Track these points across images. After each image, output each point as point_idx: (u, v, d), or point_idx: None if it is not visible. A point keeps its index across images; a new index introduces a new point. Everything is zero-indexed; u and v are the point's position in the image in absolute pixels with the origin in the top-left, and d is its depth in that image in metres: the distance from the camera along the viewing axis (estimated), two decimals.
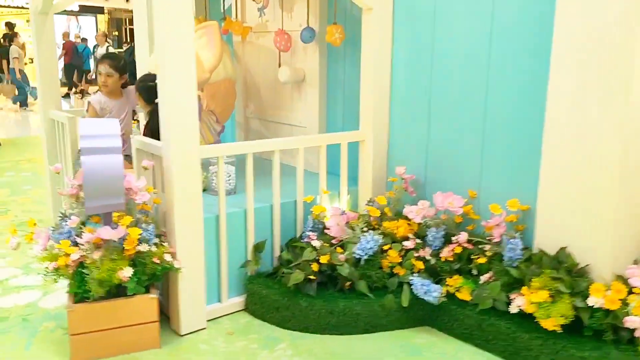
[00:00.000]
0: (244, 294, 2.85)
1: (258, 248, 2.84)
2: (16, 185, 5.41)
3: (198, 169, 2.50)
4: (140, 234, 2.33)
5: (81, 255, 2.28)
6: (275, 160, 2.82)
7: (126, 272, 2.28)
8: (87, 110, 3.53)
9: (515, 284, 2.39)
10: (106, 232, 2.27)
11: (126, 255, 2.33)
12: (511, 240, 2.43)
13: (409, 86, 3.06)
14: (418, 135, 3.05)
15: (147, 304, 2.41)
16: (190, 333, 2.59)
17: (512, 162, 2.66)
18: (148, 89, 3.07)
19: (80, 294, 2.33)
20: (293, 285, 2.59)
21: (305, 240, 2.86)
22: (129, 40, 24.56)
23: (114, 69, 3.43)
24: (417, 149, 3.07)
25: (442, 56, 2.88)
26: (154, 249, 2.39)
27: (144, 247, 2.35)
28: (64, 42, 14.76)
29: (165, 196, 2.52)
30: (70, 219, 2.53)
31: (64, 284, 3.07)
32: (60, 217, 2.57)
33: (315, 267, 2.62)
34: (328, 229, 2.74)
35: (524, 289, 2.30)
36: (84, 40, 16.43)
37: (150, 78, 3.11)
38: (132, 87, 3.59)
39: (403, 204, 3.03)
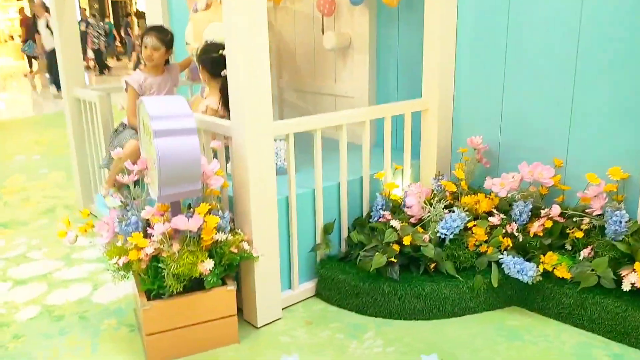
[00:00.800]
0: (313, 279, 2.67)
1: (327, 230, 2.64)
2: (31, 170, 5.13)
3: (272, 148, 2.27)
4: (217, 223, 2.11)
5: (155, 249, 2.06)
6: (342, 134, 2.59)
7: (207, 265, 2.07)
8: (125, 90, 3.26)
9: (622, 259, 2.22)
10: (183, 222, 2.05)
11: (203, 246, 2.12)
12: (616, 212, 2.25)
13: (478, 49, 2.83)
14: (489, 102, 2.84)
15: (225, 297, 2.21)
16: (267, 324, 2.41)
17: (606, 129, 2.46)
18: (213, 61, 2.82)
19: (155, 291, 2.12)
20: (374, 269, 2.40)
21: (376, 219, 2.66)
22: (110, 14, 23.80)
23: (161, 41, 3.13)
24: (488, 118, 2.86)
25: (521, 16, 2.64)
26: (230, 237, 2.18)
27: (220, 236, 2.14)
28: (21, 18, 14.21)
29: (234, 179, 2.30)
30: (132, 207, 2.31)
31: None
32: (121, 205, 2.34)
33: (396, 248, 2.43)
34: (407, 207, 2.54)
35: (638, 265, 2.13)
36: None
37: (214, 48, 2.85)
38: (175, 63, 3.32)
39: (474, 176, 2.84)
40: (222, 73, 2.70)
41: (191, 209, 2.20)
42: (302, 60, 3.83)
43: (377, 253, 2.44)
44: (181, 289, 2.08)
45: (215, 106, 2.86)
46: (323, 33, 3.48)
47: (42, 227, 3.63)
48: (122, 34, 21.27)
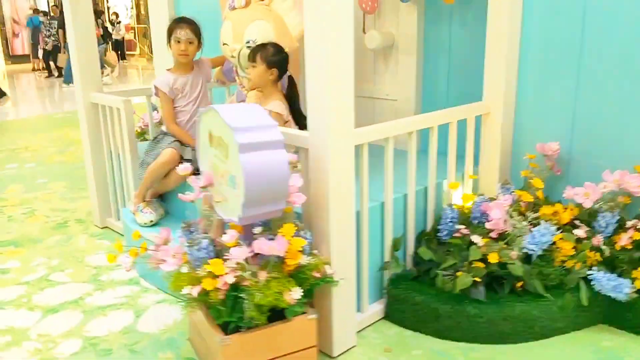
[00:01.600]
0: (380, 300, 2.46)
1: (395, 246, 2.44)
2: (28, 180, 4.77)
3: (352, 158, 2.05)
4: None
5: (236, 277, 1.82)
6: (412, 141, 2.39)
7: (295, 294, 1.84)
8: (155, 95, 2.98)
9: None
10: (266, 246, 1.81)
11: (285, 272, 1.89)
12: None
13: (546, 46, 2.64)
14: (559, 104, 2.66)
15: (306, 326, 1.98)
16: (343, 353, 2.19)
17: None
18: (284, 61, 2.63)
19: (234, 323, 1.87)
20: (459, 290, 2.21)
21: (447, 234, 2.46)
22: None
23: (195, 34, 2.86)
24: (557, 121, 2.69)
25: (600, 8, 2.46)
26: (312, 260, 1.95)
27: (304, 260, 1.91)
28: None
29: (309, 194, 2.07)
30: (195, 229, 2.06)
31: (152, 299, 2.63)
32: (183, 226, 2.08)
33: (480, 267, 2.24)
34: (490, 220, 2.34)
35: None
36: (37, 11, 15.21)
37: (277, 48, 2.66)
38: (203, 57, 3.05)
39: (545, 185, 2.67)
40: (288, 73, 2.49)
41: (266, 231, 1.96)
42: None
43: (460, 272, 2.24)
44: (265, 321, 1.85)
45: (283, 111, 2.61)
46: (364, 32, 3.27)
47: (58, 245, 3.32)
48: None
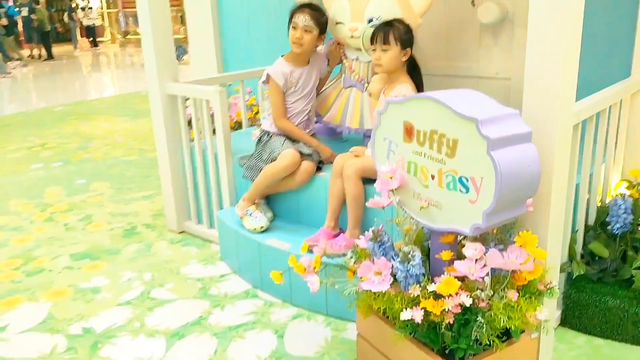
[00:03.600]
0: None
1: (572, 243, 2.17)
2: (64, 181, 4.32)
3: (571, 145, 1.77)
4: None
5: (472, 297, 1.53)
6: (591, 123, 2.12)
7: (541, 314, 1.56)
8: (264, 82, 2.62)
9: None
10: (503, 260, 1.52)
11: (515, 287, 1.61)
12: None
13: None
14: None
15: (529, 346, 1.71)
16: None
17: None
18: (412, 40, 2.30)
19: (461, 349, 1.58)
20: None
21: (619, 228, 2.20)
22: None
23: (316, 22, 2.51)
24: None
25: None
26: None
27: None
28: None
29: None
30: (386, 239, 1.75)
31: (285, 314, 2.33)
32: (372, 237, 1.76)
33: None
34: None
35: None
36: None
37: (405, 25, 2.31)
38: (320, 49, 2.71)
39: None
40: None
41: (491, 239, 1.66)
42: (426, 38, 3.29)
43: None
44: (504, 347, 1.57)
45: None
46: (473, 4, 2.96)
47: (140, 255, 2.96)
48: (66, 19, 19.68)
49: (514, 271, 1.59)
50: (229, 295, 2.52)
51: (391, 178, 1.66)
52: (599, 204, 2.37)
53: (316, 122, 2.88)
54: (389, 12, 2.48)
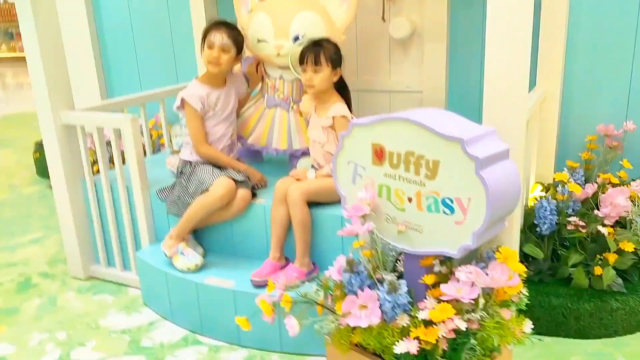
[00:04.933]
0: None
1: None
2: None
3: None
4: None
5: (467, 320, 1.49)
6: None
7: (527, 327, 1.57)
8: (178, 107, 2.40)
9: None
10: (487, 278, 1.51)
11: (498, 302, 1.61)
12: None
13: (595, 24, 2.65)
14: (611, 84, 2.69)
15: (507, 359, 1.72)
16: None
17: None
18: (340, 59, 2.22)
19: None
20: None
21: (547, 229, 2.34)
22: None
23: (233, 41, 2.34)
24: (609, 101, 2.72)
25: None
26: None
27: None
28: None
29: None
30: (360, 269, 1.67)
31: (236, 357, 2.16)
32: (346, 268, 1.66)
33: (612, 258, 2.17)
34: (608, 206, 2.26)
35: None
36: None
37: (331, 43, 2.24)
38: (237, 69, 2.55)
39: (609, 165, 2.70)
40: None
41: (473, 257, 1.65)
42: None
43: (598, 267, 2.14)
44: None
45: (349, 114, 2.25)
46: (384, 20, 2.99)
47: (46, 311, 2.56)
48: None
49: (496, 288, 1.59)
50: (165, 345, 2.26)
51: (369, 205, 1.57)
52: (525, 207, 2.49)
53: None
54: (314, 29, 2.41)
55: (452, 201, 1.47)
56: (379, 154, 1.61)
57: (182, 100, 2.38)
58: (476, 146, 1.42)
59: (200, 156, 2.44)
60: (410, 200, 1.57)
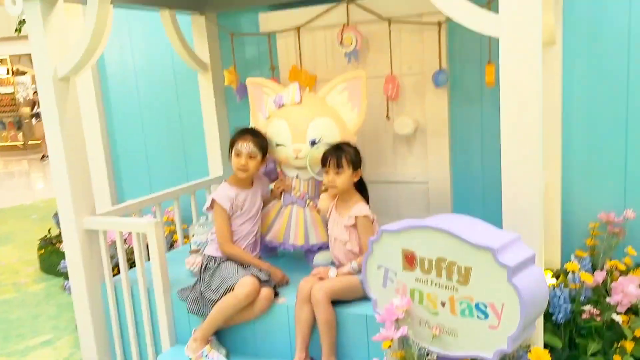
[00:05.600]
0: None
1: None
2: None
3: None
4: None
5: None
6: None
7: None
8: (208, 208, 2.50)
9: None
10: None
11: None
12: None
13: (589, 119, 2.85)
14: (608, 173, 2.86)
15: None
16: None
17: None
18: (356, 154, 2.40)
19: None
20: None
21: (562, 317, 2.40)
22: None
23: (259, 147, 2.50)
24: (607, 189, 2.87)
25: None
26: None
27: None
28: None
29: None
30: None
31: None
32: None
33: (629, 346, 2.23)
34: (618, 293, 2.34)
35: None
36: None
37: (348, 146, 2.39)
38: (261, 174, 2.70)
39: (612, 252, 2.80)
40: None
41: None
42: None
43: (617, 356, 2.20)
44: None
45: (371, 214, 2.36)
46: (388, 118, 3.17)
47: None
48: None
49: None
50: None
51: (404, 312, 1.64)
52: None
53: None
54: (329, 133, 2.57)
55: (486, 306, 1.55)
56: (410, 260, 1.70)
57: (212, 201, 2.49)
58: (505, 254, 1.51)
59: (225, 254, 2.51)
60: (443, 304, 1.64)
